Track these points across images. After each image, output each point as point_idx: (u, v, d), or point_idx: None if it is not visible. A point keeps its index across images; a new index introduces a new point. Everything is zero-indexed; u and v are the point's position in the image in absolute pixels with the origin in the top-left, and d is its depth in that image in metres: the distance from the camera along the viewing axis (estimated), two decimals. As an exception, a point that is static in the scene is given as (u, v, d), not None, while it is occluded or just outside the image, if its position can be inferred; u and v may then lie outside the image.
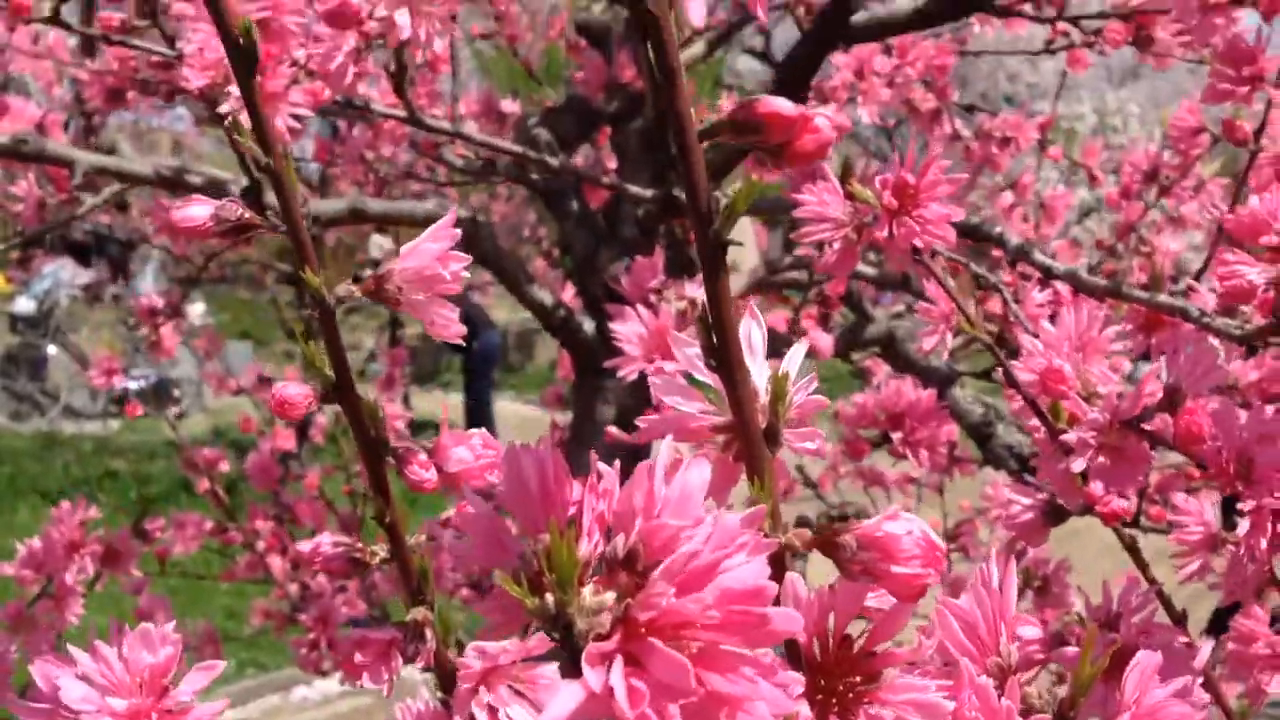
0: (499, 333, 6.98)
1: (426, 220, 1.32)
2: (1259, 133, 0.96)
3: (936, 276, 0.77)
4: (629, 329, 0.94)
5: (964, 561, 1.95)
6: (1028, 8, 1.25)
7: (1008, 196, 1.81)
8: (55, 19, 0.90)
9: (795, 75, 1.28)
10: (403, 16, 0.75)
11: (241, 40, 0.42)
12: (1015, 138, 1.67)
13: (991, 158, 1.76)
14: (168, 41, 1.03)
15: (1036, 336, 0.77)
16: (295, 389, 0.48)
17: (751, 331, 0.41)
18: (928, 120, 1.73)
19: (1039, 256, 0.93)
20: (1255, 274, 0.66)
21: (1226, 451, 0.62)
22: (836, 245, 0.74)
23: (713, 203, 0.35)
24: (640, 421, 0.41)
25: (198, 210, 0.47)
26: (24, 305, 6.18)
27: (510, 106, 1.70)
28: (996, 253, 1.08)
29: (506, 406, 7.12)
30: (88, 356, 6.29)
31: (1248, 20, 0.98)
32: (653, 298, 1.02)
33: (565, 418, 2.26)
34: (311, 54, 0.97)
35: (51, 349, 6.14)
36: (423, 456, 0.50)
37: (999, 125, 1.68)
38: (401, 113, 0.96)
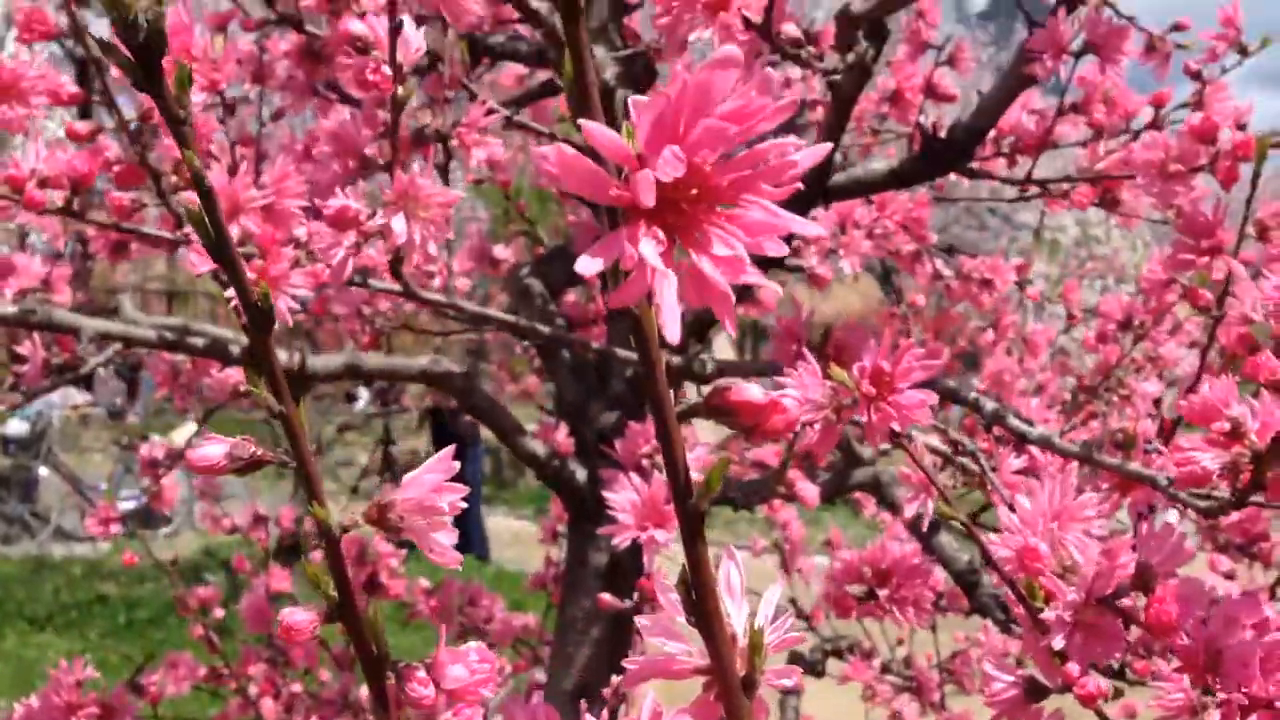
0: (486, 448, 7.00)
1: (422, 375, 1.36)
2: (1221, 299, 1.00)
3: (914, 457, 0.80)
4: (622, 497, 0.97)
5: (959, 695, 1.94)
6: (999, 169, 1.31)
7: (989, 334, 1.86)
8: (68, 209, 0.94)
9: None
10: (399, 223, 0.79)
11: (260, 302, 0.46)
12: (994, 279, 1.72)
13: (973, 296, 1.81)
14: (170, 212, 1.08)
15: (1013, 509, 0.80)
16: (301, 616, 0.51)
17: (730, 573, 0.44)
18: (909, 261, 1.78)
19: (1013, 421, 0.96)
20: (1209, 459, 0.69)
21: (1195, 642, 0.65)
22: (818, 427, 0.78)
23: (690, 479, 0.38)
24: (627, 664, 0.44)
25: (213, 450, 0.50)
26: (16, 427, 6.19)
27: (503, 253, 1.75)
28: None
29: (499, 522, 7.10)
30: (79, 478, 6.28)
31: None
32: (645, 463, 1.06)
33: (558, 549, 2.27)
34: (312, 233, 1.02)
35: (43, 470, 6.14)
36: (421, 674, 0.53)
37: (978, 267, 1.73)
38: (397, 287, 1.00)
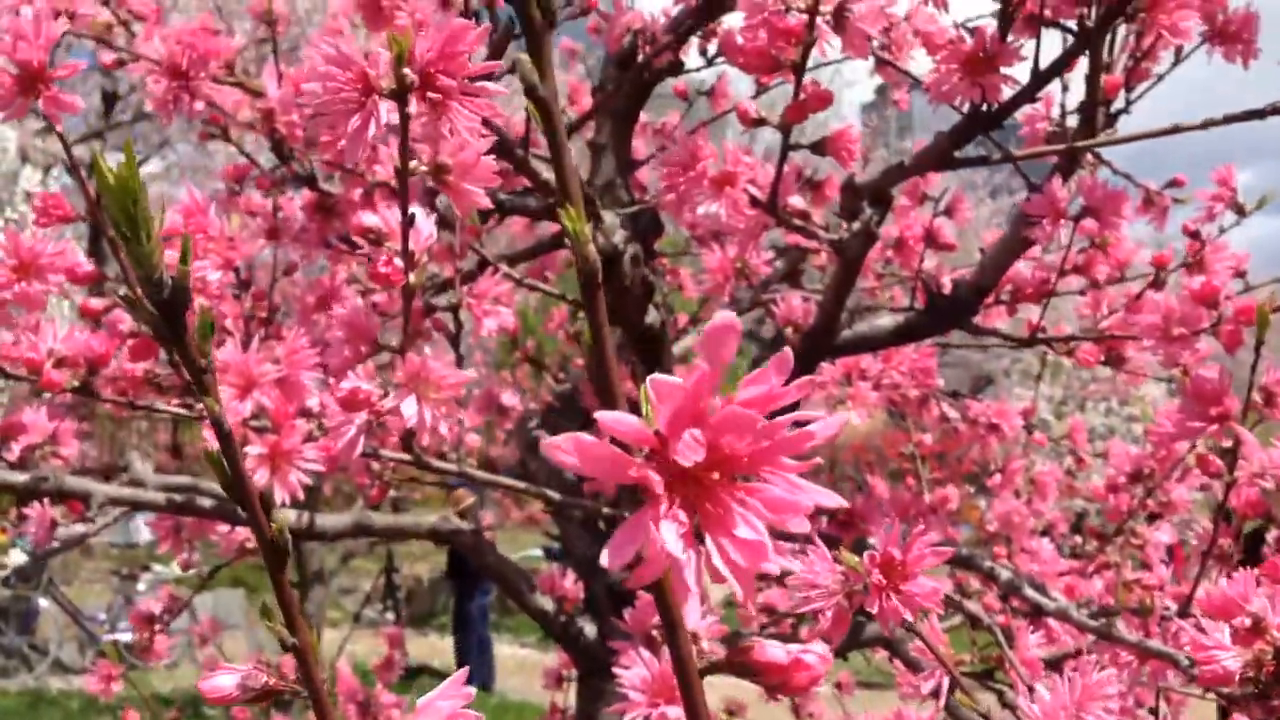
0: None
1: (431, 533, 1.35)
2: (1231, 464, 1.00)
3: (927, 644, 0.79)
4: (633, 673, 0.96)
5: None
6: (1002, 326, 1.32)
7: (997, 477, 1.85)
8: (85, 390, 0.95)
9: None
10: (410, 407, 0.80)
11: (276, 540, 0.46)
12: (1001, 424, 1.72)
13: (980, 439, 1.81)
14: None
15: (1032, 692, 0.78)
16: (224, 680, 0.50)
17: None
18: (916, 406, 1.79)
19: (1029, 592, 0.95)
20: (1231, 659, 0.68)
21: None
22: (829, 613, 0.77)
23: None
24: None
25: (224, 680, 0.49)
26: (17, 557, 6.13)
27: (511, 400, 1.76)
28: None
29: (504, 650, 6.99)
30: (79, 609, 6.21)
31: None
32: (656, 634, 1.04)
33: (563, 695, 2.22)
34: (325, 405, 1.02)
35: (43, 602, 6.07)
36: None
37: (984, 411, 1.74)
38: (408, 457, 1.00)
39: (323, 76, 0.62)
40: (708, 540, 0.34)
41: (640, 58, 1.55)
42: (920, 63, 1.40)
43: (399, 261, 0.76)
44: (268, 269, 1.68)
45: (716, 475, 0.34)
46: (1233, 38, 1.16)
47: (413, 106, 0.61)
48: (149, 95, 1.21)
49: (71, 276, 0.98)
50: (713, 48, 1.61)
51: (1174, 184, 1.43)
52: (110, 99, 7.44)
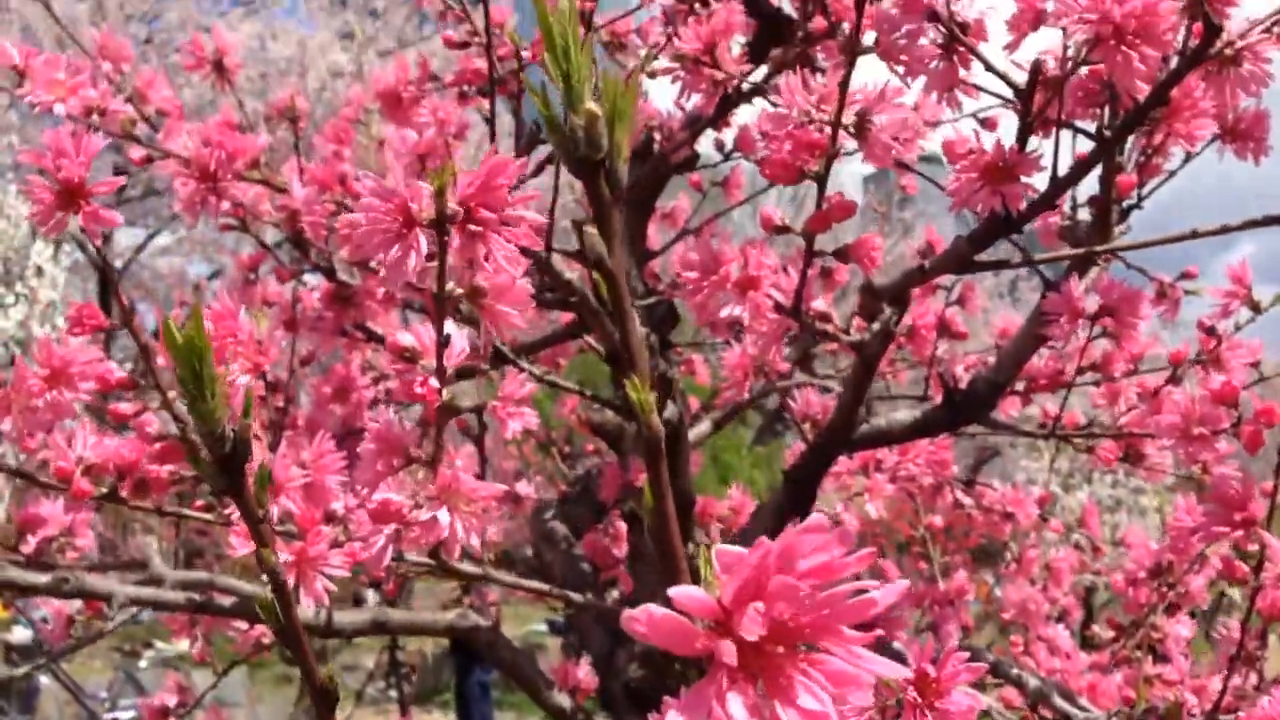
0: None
1: (449, 630, 1.35)
2: (1257, 569, 1.00)
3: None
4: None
5: None
6: (1015, 413, 1.33)
7: (1013, 566, 1.85)
8: (114, 497, 0.96)
9: (804, 480, 1.34)
10: (444, 517, 0.80)
11: (327, 685, 0.46)
12: (1016, 513, 1.72)
13: (994, 526, 1.81)
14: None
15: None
16: None
17: None
18: (930, 494, 1.79)
19: (1059, 701, 0.95)
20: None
21: None
22: (863, 728, 0.77)
23: None
24: None
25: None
26: (20, 634, 6.09)
27: (525, 489, 1.76)
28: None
29: (508, 728, 6.89)
30: (81, 687, 6.14)
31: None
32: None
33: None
34: (350, 511, 1.03)
35: (44, 679, 6.00)
36: None
37: (999, 500, 1.73)
38: (431, 562, 1.00)
39: (365, 208, 0.63)
40: (776, 707, 0.34)
41: (656, 149, 1.57)
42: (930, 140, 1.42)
43: (434, 382, 0.77)
44: (284, 355, 1.69)
45: (780, 647, 0.34)
46: (1244, 135, 1.18)
47: (454, 240, 0.62)
48: (176, 196, 1.23)
49: (102, 384, 0.99)
50: (728, 140, 1.64)
51: (1186, 276, 1.44)
52: (122, 173, 7.53)
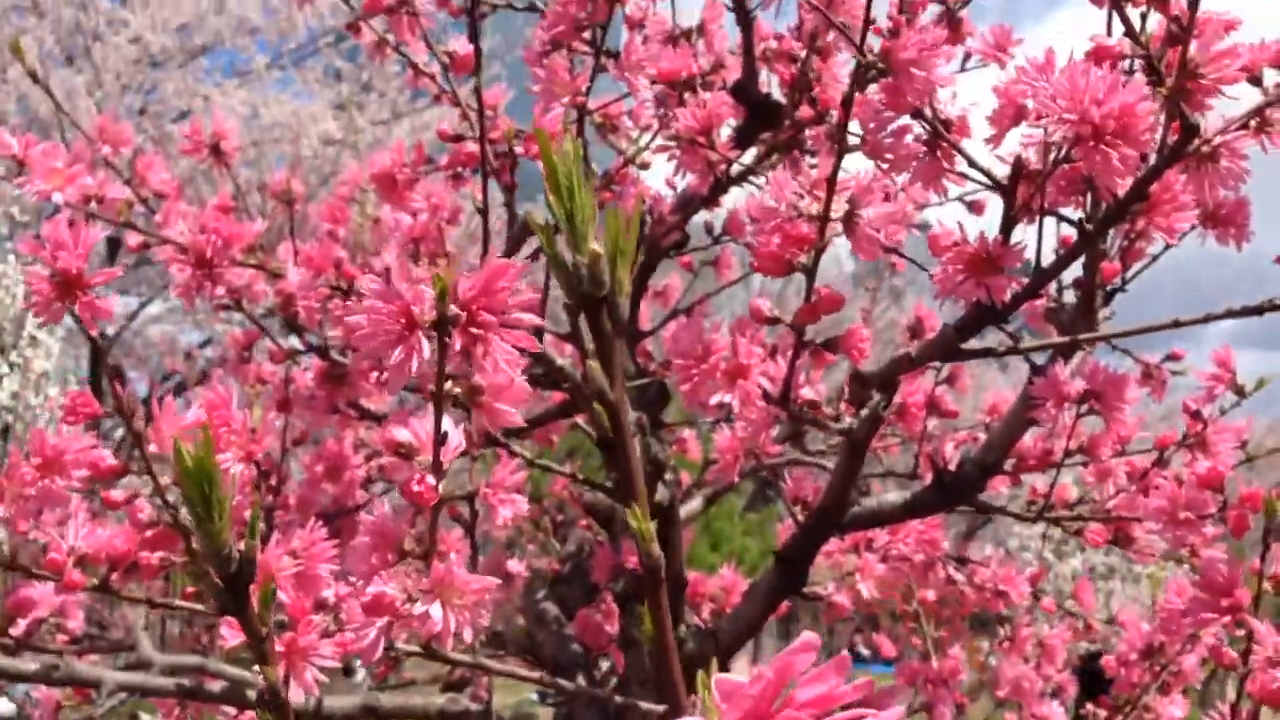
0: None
1: (440, 714, 1.34)
2: (1245, 654, 1.00)
3: None
4: None
5: None
6: (1009, 499, 1.34)
7: (1005, 645, 1.85)
8: (105, 588, 0.96)
9: (795, 561, 1.34)
10: (436, 611, 0.80)
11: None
12: (1009, 591, 1.72)
13: (986, 604, 1.81)
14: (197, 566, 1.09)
15: None
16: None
17: None
18: (921, 571, 1.79)
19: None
20: None
21: None
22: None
23: None
24: None
25: None
26: (4, 707, 6.00)
27: (516, 567, 1.75)
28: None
29: (496, 802, 6.78)
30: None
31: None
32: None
33: None
34: (342, 600, 1.03)
35: (25, 755, 5.90)
36: None
37: (991, 579, 1.74)
38: (421, 651, 1.00)
39: (368, 310, 0.64)
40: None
41: (646, 230, 1.60)
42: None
43: (430, 480, 0.78)
44: (277, 434, 1.69)
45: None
46: (1225, 221, 1.20)
47: (455, 342, 0.63)
48: (172, 282, 1.24)
49: (95, 471, 1.00)
50: (717, 223, 1.67)
51: (1172, 357, 1.47)
52: (115, 245, 7.56)
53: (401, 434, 0.78)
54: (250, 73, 8.17)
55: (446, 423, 0.80)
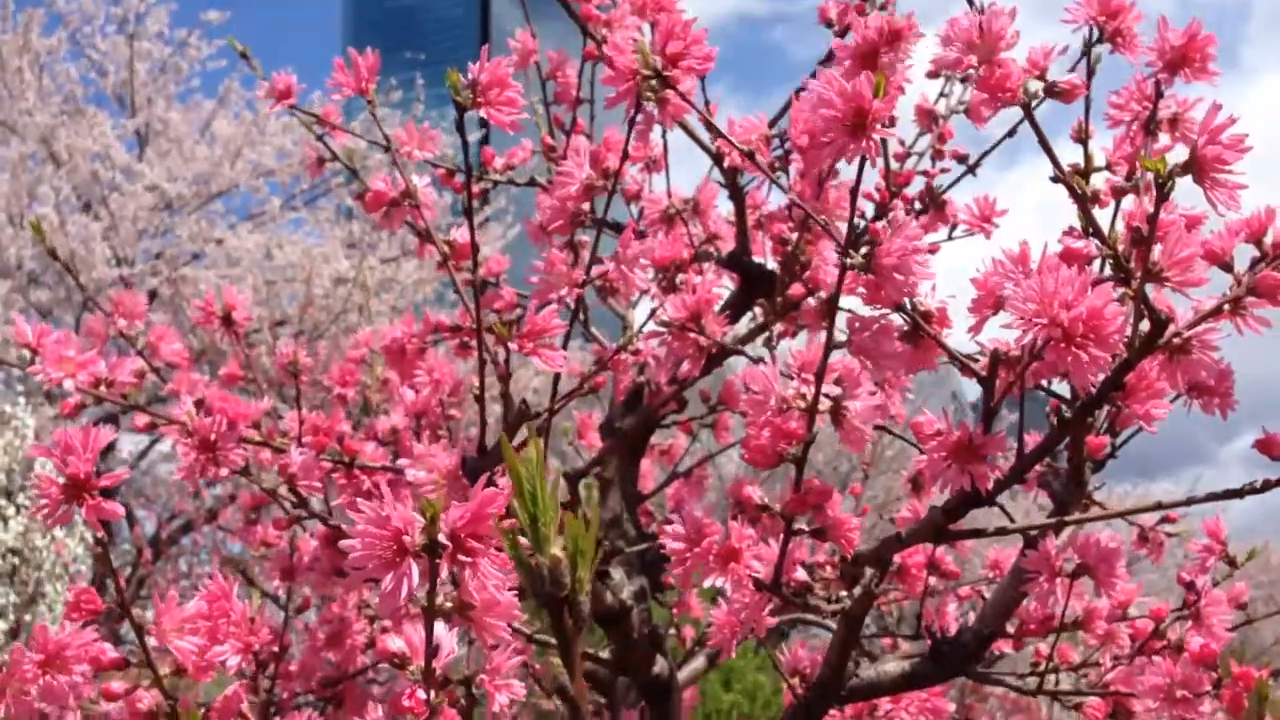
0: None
1: None
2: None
3: None
4: None
5: None
6: (1006, 674, 1.34)
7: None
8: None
9: None
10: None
11: None
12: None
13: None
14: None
15: None
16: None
17: None
18: None
19: None
20: None
21: None
22: None
23: None
24: None
25: None
26: None
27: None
28: None
29: None
30: None
31: None
32: None
33: None
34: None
35: None
36: None
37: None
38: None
39: (361, 534, 0.67)
40: None
41: (645, 397, 1.63)
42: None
43: (421, 694, 0.79)
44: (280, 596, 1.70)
45: None
46: (1209, 391, 1.22)
47: (443, 571, 0.65)
48: (178, 465, 1.27)
49: (95, 665, 1.01)
50: (713, 393, 1.70)
51: (1166, 520, 1.48)
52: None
53: (395, 643, 0.80)
54: (264, 214, 8.34)
55: (439, 629, 0.82)
